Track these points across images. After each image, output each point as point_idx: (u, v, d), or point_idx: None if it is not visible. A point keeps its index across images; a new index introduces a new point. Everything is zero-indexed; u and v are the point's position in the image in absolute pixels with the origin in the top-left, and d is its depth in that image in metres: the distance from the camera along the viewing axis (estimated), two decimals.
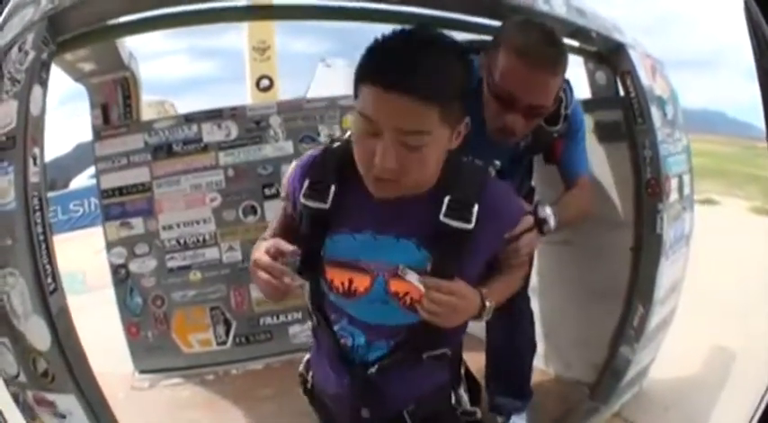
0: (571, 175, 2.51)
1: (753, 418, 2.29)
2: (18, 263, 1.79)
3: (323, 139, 4.42)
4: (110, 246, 4.23)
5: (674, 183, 3.21)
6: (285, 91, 3.89)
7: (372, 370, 1.63)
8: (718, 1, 2.72)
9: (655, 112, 3.08)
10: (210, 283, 4.32)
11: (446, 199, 1.49)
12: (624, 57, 2.89)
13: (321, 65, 8.86)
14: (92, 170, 11.09)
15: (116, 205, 4.27)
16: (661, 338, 3.60)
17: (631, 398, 3.66)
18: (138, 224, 4.24)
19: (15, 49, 1.87)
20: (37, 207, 1.84)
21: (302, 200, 1.59)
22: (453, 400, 1.78)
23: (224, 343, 4.35)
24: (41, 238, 1.84)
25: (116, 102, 4.16)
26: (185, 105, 5.60)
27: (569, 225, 2.40)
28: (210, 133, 4.23)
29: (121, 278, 4.20)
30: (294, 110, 4.37)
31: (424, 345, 1.62)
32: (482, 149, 1.77)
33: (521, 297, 2.84)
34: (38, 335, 1.79)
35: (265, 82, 4.05)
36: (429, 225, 1.51)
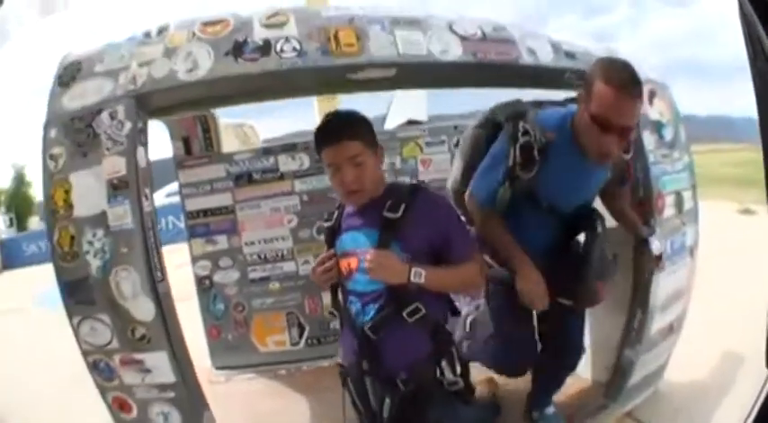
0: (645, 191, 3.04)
1: (748, 417, 2.34)
2: (132, 262, 2.27)
3: (385, 167, 5.00)
4: (195, 259, 4.64)
5: (669, 200, 3.36)
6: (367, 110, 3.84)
7: (368, 327, 2.30)
8: None
9: (648, 137, 3.25)
10: (287, 292, 4.73)
11: (388, 203, 2.28)
12: None
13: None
14: (168, 189, 11.08)
15: (201, 225, 4.72)
16: (671, 343, 3.89)
17: (645, 400, 3.98)
18: (222, 241, 4.65)
19: (106, 114, 2.34)
20: (150, 226, 2.40)
21: (324, 225, 2.58)
22: (438, 373, 2.33)
23: (297, 344, 4.74)
24: (153, 245, 2.37)
25: (197, 135, 4.60)
26: (262, 127, 6.03)
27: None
28: (286, 164, 4.67)
29: (205, 288, 4.59)
30: None
31: (397, 304, 2.28)
32: (580, 172, 2.63)
33: (570, 310, 2.95)
34: (143, 310, 2.25)
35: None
36: (380, 219, 2.30)
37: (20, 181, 19.00)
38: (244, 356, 4.74)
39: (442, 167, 4.92)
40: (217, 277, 4.75)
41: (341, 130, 2.36)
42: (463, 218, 2.74)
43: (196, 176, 4.69)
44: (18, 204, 18.54)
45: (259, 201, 4.74)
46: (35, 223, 17.90)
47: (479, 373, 3.51)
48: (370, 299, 2.39)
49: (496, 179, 2.67)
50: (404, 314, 2.32)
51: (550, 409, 3.39)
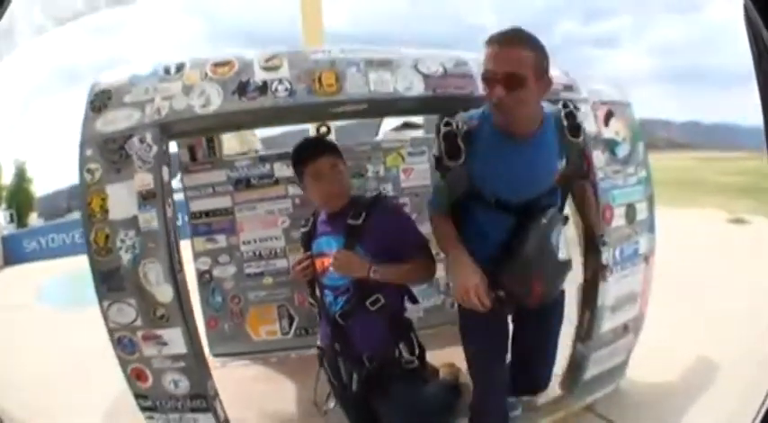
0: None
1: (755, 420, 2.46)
2: (157, 256, 2.79)
3: (370, 174, 5.36)
4: (197, 256, 5.16)
5: (618, 211, 3.62)
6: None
7: (338, 315, 2.89)
8: None
9: (599, 155, 3.52)
10: (279, 287, 5.27)
11: (351, 212, 2.83)
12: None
13: None
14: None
15: (203, 225, 5.24)
16: (628, 343, 4.13)
17: (606, 396, 4.25)
18: (221, 239, 5.19)
19: (136, 139, 2.86)
20: (171, 228, 2.90)
21: (301, 230, 3.18)
22: (397, 353, 2.90)
23: (287, 333, 5.29)
24: (173, 243, 2.86)
25: (201, 144, 5.09)
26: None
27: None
28: (281, 170, 5.16)
29: (205, 281, 5.13)
30: (347, 152, 5.20)
31: (361, 295, 2.84)
32: (508, 155, 2.70)
33: (554, 302, 3.11)
34: (164, 294, 2.75)
35: (324, 129, 4.75)
36: (346, 226, 2.83)
37: (21, 177, 19.09)
38: (239, 345, 5.27)
39: (421, 176, 5.49)
40: (216, 272, 5.27)
41: (321, 146, 3.04)
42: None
43: (199, 180, 5.19)
44: (19, 200, 18.66)
45: (256, 203, 5.27)
46: (35, 220, 18.28)
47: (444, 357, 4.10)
48: (340, 292, 2.95)
49: (437, 180, 2.93)
50: (367, 304, 2.88)
51: (516, 413, 3.59)
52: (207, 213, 5.25)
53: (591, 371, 3.71)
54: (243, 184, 5.26)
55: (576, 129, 2.77)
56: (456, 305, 3.14)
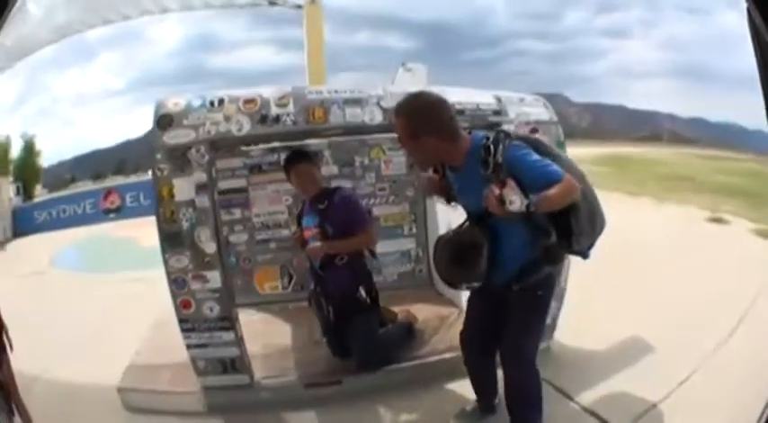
0: (541, 190, 3.25)
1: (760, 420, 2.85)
2: (207, 223, 4.23)
3: (357, 164, 6.74)
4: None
5: None
6: (374, 85, 4.85)
7: (318, 268, 4.91)
8: None
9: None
10: (282, 251, 6.69)
11: (320, 199, 4.83)
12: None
13: (402, 69, 9.89)
14: None
15: (224, 200, 6.42)
16: (553, 310, 4.81)
17: (541, 354, 4.28)
18: (237, 212, 6.56)
19: (194, 150, 4.23)
20: (215, 207, 4.48)
21: (296, 211, 5.34)
22: (358, 294, 4.85)
23: (286, 289, 6.74)
24: (217, 217, 4.54)
25: None
26: None
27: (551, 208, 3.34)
28: None
29: (223, 245, 5.71)
30: (339, 145, 6.61)
31: (332, 256, 4.81)
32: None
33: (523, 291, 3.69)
34: (210, 247, 4.26)
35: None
36: (318, 210, 4.81)
37: (29, 151, 20.18)
38: (248, 297, 6.62)
39: (399, 167, 6.97)
40: (232, 238, 6.73)
41: (300, 156, 5.00)
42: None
43: (223, 166, 6.49)
44: (26, 174, 19.41)
45: (266, 184, 6.74)
46: (40, 191, 19.01)
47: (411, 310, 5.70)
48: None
49: None
50: (335, 261, 4.85)
51: None
52: (227, 191, 6.54)
53: None
54: (256, 169, 6.62)
55: (485, 162, 3.38)
56: (422, 271, 5.67)
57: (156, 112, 4.39)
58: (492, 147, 3.39)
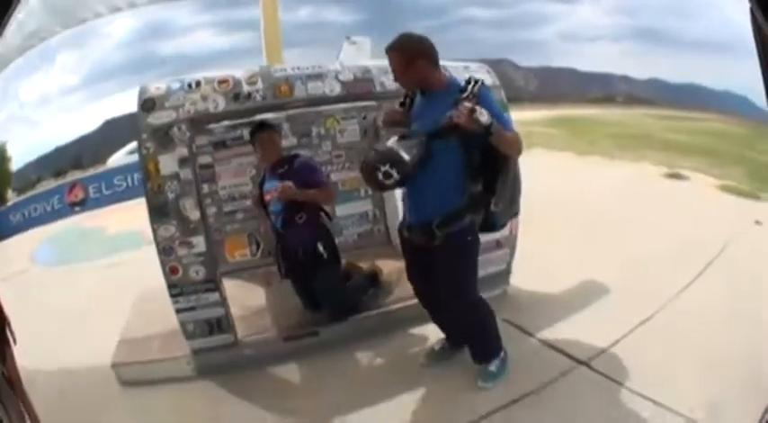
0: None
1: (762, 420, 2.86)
2: (191, 194, 4.70)
3: (314, 134, 7.16)
4: None
5: None
6: (318, 59, 5.31)
7: (279, 226, 5.39)
8: None
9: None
10: (248, 220, 7.05)
11: (280, 164, 5.38)
12: None
13: (347, 43, 10.15)
14: (129, 147, 12.44)
15: None
16: (504, 255, 5.67)
17: (494, 297, 5.26)
18: (205, 186, 6.77)
19: (175, 128, 4.69)
20: (197, 179, 4.99)
21: (258, 180, 5.71)
22: (317, 248, 5.35)
23: (255, 255, 7.11)
24: (198, 188, 4.95)
25: None
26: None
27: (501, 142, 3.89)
28: (248, 134, 6.38)
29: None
30: (296, 117, 7.03)
31: (291, 214, 5.31)
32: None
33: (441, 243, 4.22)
34: (194, 215, 4.70)
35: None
36: (279, 175, 5.28)
37: (1, 158, 19.21)
38: (221, 266, 6.46)
39: (353, 134, 7.38)
40: None
41: (264, 126, 5.54)
42: None
43: None
44: (0, 180, 18.38)
45: (230, 159, 7.08)
46: (10, 195, 18.11)
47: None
48: (279, 213, 5.36)
49: None
50: (296, 219, 5.31)
51: (491, 366, 4.56)
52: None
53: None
54: (220, 145, 6.98)
55: (464, 89, 4.00)
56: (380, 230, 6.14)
57: (139, 97, 4.87)
58: (473, 81, 4.02)
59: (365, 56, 8.96)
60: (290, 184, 5.22)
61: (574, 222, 7.42)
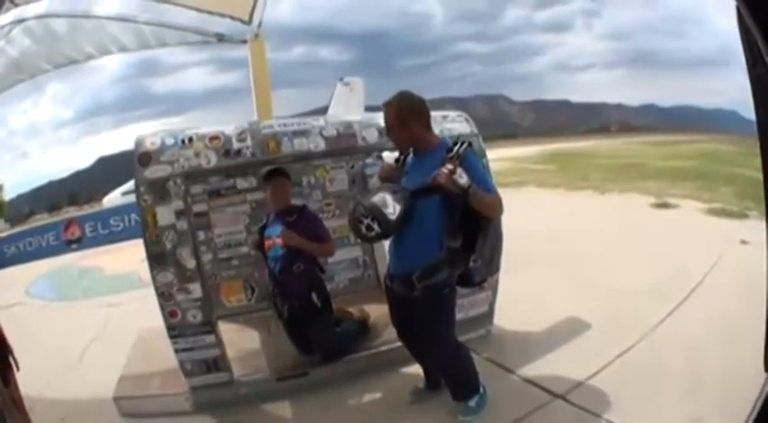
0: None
1: (749, 418, 2.86)
2: (187, 243, 5.07)
3: (304, 184, 7.56)
4: None
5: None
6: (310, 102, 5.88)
7: (277, 273, 5.69)
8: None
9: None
10: (243, 267, 7.50)
11: (288, 213, 5.70)
12: None
13: (340, 84, 10.63)
14: (123, 188, 13.21)
15: None
16: (486, 298, 6.04)
17: (479, 336, 5.96)
18: (201, 234, 7.18)
19: (171, 182, 5.05)
20: (193, 229, 5.41)
21: (260, 225, 6.01)
22: (311, 298, 5.70)
23: (250, 300, 7.57)
24: (194, 237, 5.35)
25: None
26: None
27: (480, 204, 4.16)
28: (241, 184, 7.43)
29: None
30: (287, 168, 6.64)
31: (289, 263, 5.61)
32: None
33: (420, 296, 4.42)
34: (190, 264, 5.06)
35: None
36: (287, 223, 5.62)
37: None
38: (217, 310, 6.81)
39: (341, 183, 7.90)
40: None
41: (279, 172, 5.66)
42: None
43: None
44: None
45: (225, 207, 7.50)
46: (2, 226, 18.95)
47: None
48: (278, 260, 5.61)
49: None
50: (293, 268, 5.56)
51: (471, 402, 4.79)
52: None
53: (457, 315, 4.89)
54: (215, 193, 7.38)
55: (451, 149, 4.28)
56: (370, 276, 6.41)
57: (135, 151, 5.23)
58: (459, 143, 4.28)
59: (358, 96, 9.28)
60: (291, 233, 5.59)
61: (559, 259, 7.94)
